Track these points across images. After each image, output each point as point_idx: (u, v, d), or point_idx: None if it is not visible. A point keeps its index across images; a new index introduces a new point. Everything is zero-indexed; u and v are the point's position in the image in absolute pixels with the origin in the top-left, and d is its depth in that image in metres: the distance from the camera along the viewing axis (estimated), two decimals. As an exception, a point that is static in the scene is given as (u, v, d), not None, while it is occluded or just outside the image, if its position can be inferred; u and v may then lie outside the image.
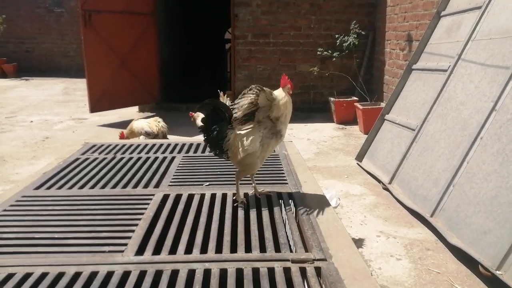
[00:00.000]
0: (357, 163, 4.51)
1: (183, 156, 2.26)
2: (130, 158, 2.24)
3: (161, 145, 2.52)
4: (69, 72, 13.45)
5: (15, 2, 13.32)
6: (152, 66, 7.32)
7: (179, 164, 2.13)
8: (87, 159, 2.24)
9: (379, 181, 3.93)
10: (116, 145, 2.52)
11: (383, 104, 5.78)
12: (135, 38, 6.98)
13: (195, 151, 2.39)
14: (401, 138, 3.95)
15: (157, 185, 1.84)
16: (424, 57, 4.24)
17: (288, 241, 1.32)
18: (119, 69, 6.83)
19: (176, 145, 2.52)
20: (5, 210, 1.54)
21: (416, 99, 4.01)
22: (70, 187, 1.81)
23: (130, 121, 6.51)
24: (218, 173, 2.01)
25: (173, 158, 2.24)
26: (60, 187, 1.81)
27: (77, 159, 2.25)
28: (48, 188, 1.80)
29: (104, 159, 2.24)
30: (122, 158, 2.25)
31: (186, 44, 10.31)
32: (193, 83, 8.99)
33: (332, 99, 6.67)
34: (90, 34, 6.40)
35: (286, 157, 2.22)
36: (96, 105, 6.66)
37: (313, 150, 5.15)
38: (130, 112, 7.39)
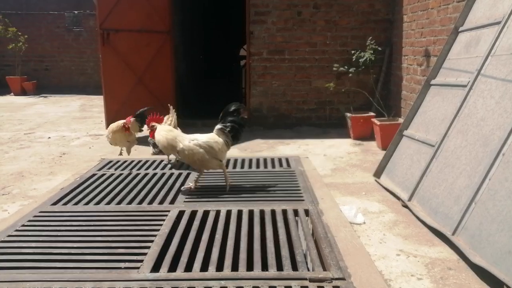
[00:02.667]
0: (375, 180, 4.46)
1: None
2: (146, 174, 2.27)
3: (177, 161, 2.53)
4: (86, 89, 13.73)
5: (36, 22, 13.80)
6: (168, 83, 7.36)
7: (195, 180, 2.13)
8: (103, 175, 2.28)
9: (398, 198, 3.85)
10: (132, 161, 2.56)
11: (401, 120, 5.75)
12: (151, 56, 7.06)
13: (233, 167, 2.42)
14: (420, 154, 3.89)
15: (172, 201, 1.85)
16: (442, 72, 4.21)
17: (305, 259, 1.30)
18: (136, 85, 6.92)
19: None
20: (23, 226, 1.57)
21: (435, 114, 3.97)
22: (87, 203, 1.83)
23: (146, 137, 6.56)
24: (234, 189, 2.00)
25: (188, 174, 2.26)
26: (77, 203, 1.84)
27: (94, 175, 2.29)
28: (65, 203, 1.83)
29: (120, 175, 2.27)
30: (137, 174, 2.27)
31: (201, 61, 10.45)
32: (208, 99, 9.07)
33: (348, 114, 6.64)
34: (108, 52, 6.53)
35: (303, 173, 2.21)
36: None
37: (329, 166, 5.11)
38: (144, 128, 7.44)
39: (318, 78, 7.28)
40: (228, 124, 2.20)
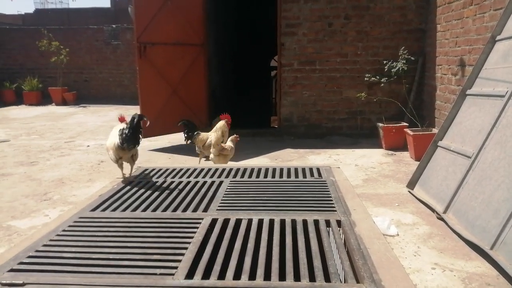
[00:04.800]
0: (409, 191, 4.38)
1: (231, 181, 2.29)
2: (180, 182, 2.28)
3: (209, 169, 2.56)
4: (123, 100, 14.15)
5: (77, 36, 14.39)
6: (201, 94, 7.53)
7: (227, 188, 2.15)
8: (139, 182, 2.31)
9: (432, 210, 3.76)
10: (167, 169, 2.58)
11: (435, 130, 5.69)
12: (186, 68, 7.22)
13: (242, 176, 2.42)
14: (456, 166, 3.79)
15: (205, 209, 1.86)
16: (478, 82, 4.08)
17: (338, 270, 1.27)
18: (170, 96, 7.05)
19: (223, 169, 2.55)
20: (64, 231, 1.61)
21: (471, 125, 3.85)
22: (124, 210, 1.86)
23: (179, 146, 6.63)
24: (265, 198, 1.99)
25: (220, 182, 2.26)
26: (114, 209, 1.87)
27: (130, 182, 2.33)
28: (104, 210, 1.86)
29: (155, 182, 2.30)
30: (172, 182, 2.29)
31: (233, 73, 10.56)
32: (240, 110, 9.16)
33: (380, 124, 6.53)
34: (145, 65, 6.67)
35: (334, 183, 2.19)
36: (148, 131, 6.88)
37: (361, 176, 5.04)
38: (179, 137, 7.53)
39: (349, 88, 7.24)
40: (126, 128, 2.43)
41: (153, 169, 2.60)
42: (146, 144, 7.18)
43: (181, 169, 2.59)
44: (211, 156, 4.89)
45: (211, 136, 5.20)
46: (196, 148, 5.42)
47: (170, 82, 7.05)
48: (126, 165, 2.57)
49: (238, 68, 10.92)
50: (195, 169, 2.59)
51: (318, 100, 7.31)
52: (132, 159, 2.71)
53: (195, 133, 5.43)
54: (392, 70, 6.57)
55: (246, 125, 6.39)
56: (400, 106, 6.72)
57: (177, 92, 7.14)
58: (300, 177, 2.38)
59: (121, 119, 2.85)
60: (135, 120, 2.49)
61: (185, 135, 5.46)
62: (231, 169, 2.56)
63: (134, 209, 1.84)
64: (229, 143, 4.97)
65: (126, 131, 2.46)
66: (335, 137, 7.26)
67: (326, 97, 7.31)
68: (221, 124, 5.24)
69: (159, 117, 6.93)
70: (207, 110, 7.70)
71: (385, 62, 6.75)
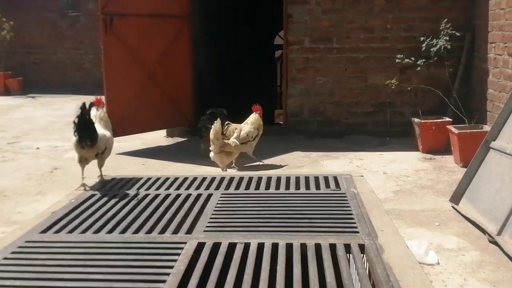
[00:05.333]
0: (452, 206, 4.38)
1: (222, 194, 2.30)
2: (157, 196, 2.30)
3: (195, 179, 2.57)
4: (84, 88, 13.92)
5: (24, 7, 14.11)
6: (185, 81, 7.53)
7: (217, 203, 2.16)
8: (104, 195, 2.32)
9: (483, 231, 3.78)
10: (140, 179, 2.59)
11: (487, 127, 5.67)
12: (165, 46, 7.20)
13: (237, 187, 2.43)
14: (514, 174, 3.84)
15: (189, 231, 1.86)
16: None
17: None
18: (145, 84, 7.02)
19: (213, 179, 2.56)
20: (5, 259, 1.60)
21: (534, 120, 3.87)
22: (84, 231, 1.86)
23: (156, 148, 6.67)
24: (267, 216, 2.00)
25: (209, 196, 2.28)
26: (71, 231, 1.86)
27: (92, 195, 2.33)
28: (57, 231, 1.85)
29: (125, 196, 2.31)
30: (146, 195, 2.30)
31: (227, 54, 10.56)
32: (235, 101, 9.17)
33: (416, 120, 6.55)
34: (112, 42, 6.62)
35: (356, 196, 2.21)
36: (116, 129, 6.64)
37: (391, 187, 5.08)
38: (156, 137, 7.67)
39: (376, 73, 7.25)
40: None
41: (122, 179, 2.60)
42: (114, 145, 7.11)
43: (158, 179, 2.60)
44: (211, 154, 5.27)
45: (245, 128, 5.84)
46: (212, 146, 5.62)
47: (145, 65, 7.00)
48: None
49: (234, 48, 10.93)
50: (176, 178, 2.60)
51: (336, 89, 7.33)
52: (101, 161, 2.74)
53: (226, 123, 5.82)
54: (432, 50, 6.56)
55: (243, 119, 6.38)
56: (442, 96, 6.69)
57: (154, 78, 7.12)
58: (312, 189, 2.38)
59: (98, 102, 2.88)
60: (85, 107, 2.49)
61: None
62: (222, 179, 2.55)
63: (97, 231, 1.84)
64: (233, 139, 5.34)
65: (78, 122, 2.48)
66: (358, 136, 7.25)
67: (346, 84, 7.32)
68: (255, 117, 5.96)
69: (130, 111, 6.92)
70: (192, 101, 7.70)
71: (422, 39, 6.74)
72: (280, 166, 5.98)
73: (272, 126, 8.14)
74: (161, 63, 7.19)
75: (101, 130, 2.79)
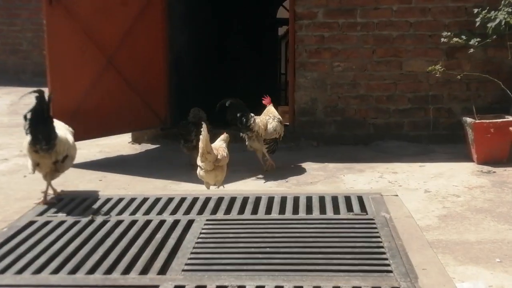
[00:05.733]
0: (518, 237, 4.40)
1: (208, 220, 2.31)
2: (119, 222, 2.30)
3: (170, 200, 2.58)
4: (20, 77, 13.86)
5: None
6: (157, 68, 7.52)
7: (201, 233, 2.16)
8: (47, 223, 2.31)
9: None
10: (96, 200, 2.60)
11: None
12: (129, 22, 7.17)
13: (228, 211, 2.44)
14: None
15: (163, 270, 1.86)
16: None
17: None
18: (103, 71, 7.04)
19: (195, 200, 2.57)
20: None
21: None
22: (20, 271, 1.85)
23: (118, 159, 6.58)
24: (268, 250, 2.00)
25: (190, 222, 2.28)
26: (3, 271, 1.85)
27: (32, 223, 2.31)
28: (-18, 272, 1.85)
29: (75, 223, 2.30)
30: (105, 222, 2.30)
31: (214, 32, 10.55)
32: (224, 94, 9.18)
33: (468, 120, 6.54)
34: (58, 16, 6.57)
35: (388, 223, 2.22)
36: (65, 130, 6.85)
37: (435, 210, 5.04)
38: (119, 143, 7.71)
39: (415, 56, 7.26)
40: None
41: (73, 199, 2.60)
42: (60, 154, 7.17)
43: (120, 199, 2.60)
44: (200, 171, 5.18)
45: (271, 122, 6.36)
46: (248, 144, 6.39)
47: (103, 46, 7.00)
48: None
49: (224, 24, 10.86)
50: (145, 199, 2.59)
51: (360, 78, 7.36)
52: (55, 173, 2.73)
53: (250, 116, 6.23)
54: (489, 26, 6.55)
55: (235, 122, 6.39)
56: (503, 87, 6.69)
57: (115, 63, 7.12)
58: (329, 213, 2.39)
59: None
60: (43, 97, 2.52)
61: (238, 122, 6.23)
62: (208, 200, 2.56)
63: (38, 270, 1.82)
64: (220, 145, 5.30)
65: (31, 117, 2.49)
66: (390, 142, 7.28)
67: (375, 71, 7.36)
68: (273, 109, 6.56)
69: (83, 108, 6.89)
70: (167, 96, 7.70)
71: (475, 10, 6.76)
72: (286, 181, 5.98)
73: None
74: (124, 44, 7.16)
75: (63, 131, 2.83)
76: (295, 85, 7.47)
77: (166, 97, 7.69)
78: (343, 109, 7.41)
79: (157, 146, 7.71)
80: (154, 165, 6.72)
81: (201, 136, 4.94)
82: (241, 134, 6.37)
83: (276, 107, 7.03)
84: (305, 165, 6.61)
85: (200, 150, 5.00)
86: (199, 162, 5.09)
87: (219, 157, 5.05)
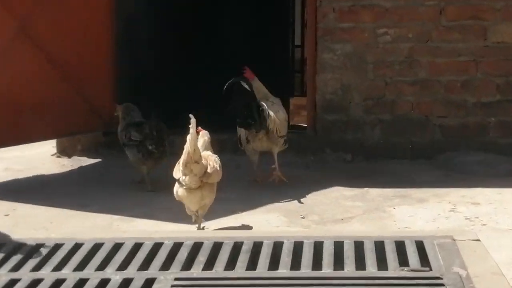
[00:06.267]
0: None
1: (177, 280, 2.42)
2: (35, 284, 2.32)
3: (119, 246, 2.77)
4: None
5: None
6: (97, 41, 7.61)
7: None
8: None
9: None
10: (1, 246, 2.73)
11: None
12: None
13: (209, 265, 2.64)
14: None
15: None
16: None
17: None
18: (13, 42, 7.12)
19: (157, 246, 2.82)
20: None
21: None
22: None
23: (37, 180, 7.30)
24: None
25: (148, 283, 2.33)
26: None
27: None
28: None
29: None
30: (14, 282, 2.32)
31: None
32: (203, 84, 9.16)
33: None
34: None
35: (465, 285, 2.30)
36: None
37: (541, 265, 4.87)
38: (36, 156, 7.87)
39: (507, 19, 7.24)
40: None
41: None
42: None
43: (39, 246, 2.79)
44: (178, 189, 5.27)
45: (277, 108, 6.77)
46: (251, 147, 6.76)
47: (12, 7, 7.10)
48: None
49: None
50: (77, 246, 2.80)
51: (421, 52, 7.53)
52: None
53: (260, 107, 6.63)
54: None
55: (226, 124, 6.69)
56: None
57: (30, 32, 7.28)
58: (371, 268, 2.51)
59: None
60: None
61: (254, 115, 6.56)
62: (177, 246, 2.83)
63: None
64: (209, 154, 5.43)
65: None
66: (469, 154, 7.36)
67: (443, 42, 7.49)
68: (263, 87, 6.86)
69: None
70: (113, 84, 7.79)
71: None
72: (302, 218, 5.89)
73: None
74: (43, 4, 7.25)
75: None
76: (317, 64, 7.57)
77: (112, 87, 7.85)
78: (392, 102, 7.53)
79: (97, 160, 7.78)
80: (93, 191, 6.77)
81: (188, 137, 5.00)
82: (242, 134, 6.67)
83: (287, 100, 7.13)
84: (333, 191, 6.63)
85: (183, 157, 5.04)
86: (177, 174, 5.14)
87: (208, 170, 5.09)
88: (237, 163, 7.10)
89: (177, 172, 5.11)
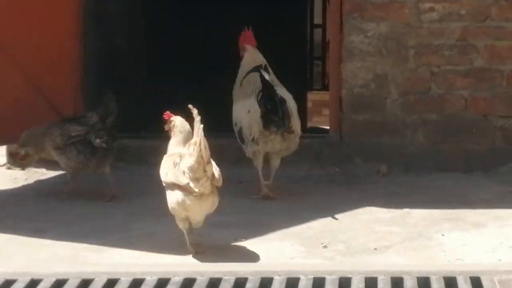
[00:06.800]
0: None
1: None
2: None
3: (88, 283, 3.01)
4: None
5: None
6: (57, 19, 7.64)
7: None
8: None
9: None
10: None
11: None
12: None
13: None
14: None
15: None
16: None
17: None
18: None
19: (136, 285, 3.01)
20: None
21: None
22: None
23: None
24: None
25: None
26: None
27: None
28: None
29: None
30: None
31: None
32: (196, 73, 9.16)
33: None
34: None
35: None
36: None
37: None
38: None
39: None
40: None
41: None
42: None
43: None
44: (184, 199, 5.29)
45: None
46: (257, 155, 6.96)
47: None
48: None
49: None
50: (34, 283, 2.95)
51: (476, 34, 7.61)
52: None
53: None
54: None
55: (220, 124, 6.66)
56: None
57: None
58: None
59: None
60: None
61: (268, 109, 6.80)
62: (164, 284, 2.99)
63: None
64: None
65: None
66: None
67: (504, 22, 7.63)
68: (257, 52, 7.18)
69: None
70: (77, 71, 7.81)
71: None
72: (324, 248, 5.76)
73: (304, 138, 7.91)
74: None
75: None
76: (342, 49, 7.67)
77: (78, 78, 7.95)
78: (441, 97, 7.49)
79: (59, 172, 7.84)
80: (53, 212, 6.74)
81: (196, 137, 5.12)
82: (252, 130, 6.83)
83: (302, 99, 7.12)
84: (363, 212, 6.61)
85: (194, 160, 5.11)
86: (183, 179, 5.16)
87: (214, 170, 5.17)
88: (239, 177, 7.08)
89: (180, 176, 5.11)
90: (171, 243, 5.64)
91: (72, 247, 5.81)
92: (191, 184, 5.04)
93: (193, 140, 5.16)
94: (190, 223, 5.53)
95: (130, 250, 5.61)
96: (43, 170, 7.80)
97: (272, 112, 6.59)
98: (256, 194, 6.87)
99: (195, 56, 9.89)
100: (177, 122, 5.58)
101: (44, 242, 5.96)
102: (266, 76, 6.67)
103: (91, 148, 6.71)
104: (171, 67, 9.68)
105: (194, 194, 5.07)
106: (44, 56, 7.61)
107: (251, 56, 6.90)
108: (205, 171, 5.06)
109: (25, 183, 7.70)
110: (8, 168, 8.11)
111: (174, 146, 5.52)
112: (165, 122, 5.68)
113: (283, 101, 6.67)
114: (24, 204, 7.03)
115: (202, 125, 5.01)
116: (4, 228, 6.23)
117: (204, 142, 5.04)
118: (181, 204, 5.15)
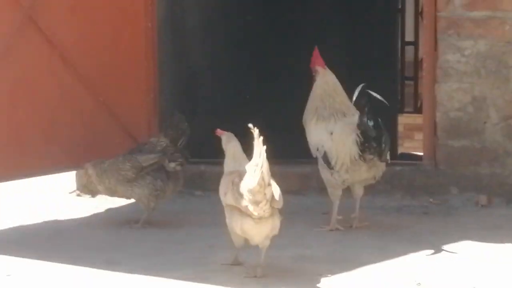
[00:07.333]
0: None
1: None
2: None
3: None
4: None
5: None
6: (130, 45, 7.61)
7: None
8: None
9: None
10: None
11: None
12: None
13: None
14: None
15: None
16: None
17: None
18: (18, 30, 7.42)
19: None
20: None
21: None
22: None
23: (42, 232, 7.44)
24: None
25: None
26: None
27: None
28: None
29: None
30: None
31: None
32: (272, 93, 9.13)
33: None
34: None
35: None
36: None
37: None
38: (47, 194, 7.93)
39: None
40: None
41: None
42: None
43: None
44: (243, 222, 5.39)
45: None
46: (339, 185, 6.87)
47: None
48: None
49: None
50: None
51: None
52: None
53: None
54: None
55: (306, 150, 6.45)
56: None
57: (36, 20, 7.55)
58: None
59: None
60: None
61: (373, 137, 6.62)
62: None
63: None
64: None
65: None
66: None
67: None
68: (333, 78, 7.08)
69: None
70: (154, 98, 7.80)
71: None
72: (417, 286, 5.38)
73: (393, 166, 7.88)
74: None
75: None
76: (437, 69, 7.54)
77: (151, 96, 8.01)
78: None
79: (129, 200, 7.72)
80: (126, 242, 6.65)
81: (257, 152, 5.13)
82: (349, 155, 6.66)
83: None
84: (462, 247, 6.35)
85: (255, 182, 5.11)
86: (242, 202, 5.18)
87: (274, 192, 5.16)
88: (324, 207, 6.97)
89: (239, 198, 5.11)
90: (249, 278, 5.50)
91: (147, 281, 5.68)
92: (250, 208, 5.11)
93: (253, 162, 5.15)
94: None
95: (204, 284, 5.50)
96: (114, 198, 7.56)
97: (373, 139, 6.43)
98: (323, 226, 6.86)
99: (281, 78, 9.71)
100: (228, 138, 5.75)
101: (117, 275, 5.84)
102: (378, 97, 6.47)
103: (165, 173, 6.73)
104: (254, 87, 9.52)
105: (253, 217, 5.13)
106: (117, 76, 7.51)
107: (323, 79, 6.88)
108: (265, 194, 5.04)
109: (95, 211, 7.69)
110: (78, 195, 8.12)
111: (229, 163, 5.67)
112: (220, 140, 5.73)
113: (383, 127, 6.46)
114: (95, 234, 6.89)
115: (264, 147, 5.00)
116: (75, 259, 6.16)
117: (266, 164, 5.04)
118: (239, 226, 5.29)
